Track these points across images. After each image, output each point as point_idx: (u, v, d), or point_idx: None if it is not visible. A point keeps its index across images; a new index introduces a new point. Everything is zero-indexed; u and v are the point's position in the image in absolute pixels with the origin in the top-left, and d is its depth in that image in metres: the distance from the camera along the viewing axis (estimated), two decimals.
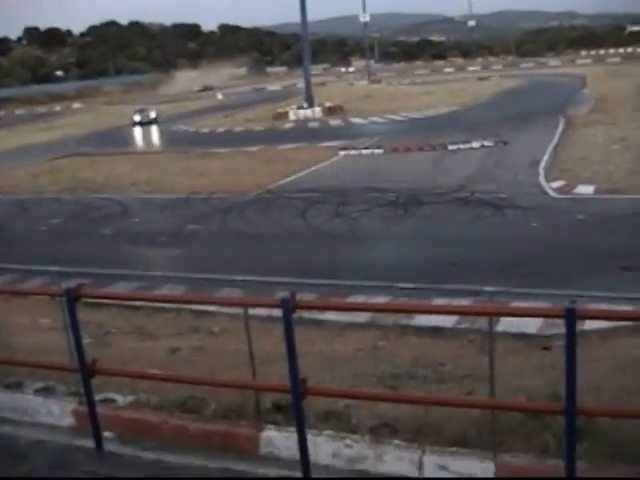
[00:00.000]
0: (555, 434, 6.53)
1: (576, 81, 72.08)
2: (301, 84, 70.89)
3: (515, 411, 7.04)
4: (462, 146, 33.92)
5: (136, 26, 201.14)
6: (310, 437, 6.83)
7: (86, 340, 8.17)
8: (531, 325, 11.39)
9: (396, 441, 7.03)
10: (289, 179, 29.38)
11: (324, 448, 7.09)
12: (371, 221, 21.45)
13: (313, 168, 31.79)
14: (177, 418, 7.93)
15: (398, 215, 21.74)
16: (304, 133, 47.44)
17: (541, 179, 25.14)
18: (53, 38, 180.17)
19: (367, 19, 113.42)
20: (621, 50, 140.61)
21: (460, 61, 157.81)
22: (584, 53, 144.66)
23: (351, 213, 22.30)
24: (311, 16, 59.60)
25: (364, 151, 35.53)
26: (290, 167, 31.67)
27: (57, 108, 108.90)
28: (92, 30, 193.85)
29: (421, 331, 11.98)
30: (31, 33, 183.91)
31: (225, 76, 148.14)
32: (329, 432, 7.27)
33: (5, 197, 30.50)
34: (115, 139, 54.14)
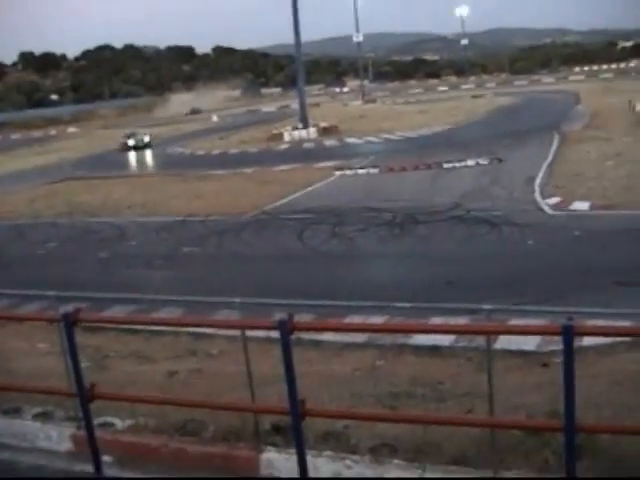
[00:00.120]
0: (555, 451, 6.52)
1: (570, 97, 72.45)
2: (295, 105, 71.17)
3: (514, 429, 7.02)
4: (457, 164, 34.03)
5: (130, 49, 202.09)
6: (310, 458, 6.80)
7: (84, 364, 8.14)
8: (529, 342, 11.37)
9: (396, 461, 7.01)
10: (285, 200, 29.39)
11: (325, 469, 7.07)
12: (368, 241, 21.46)
13: (309, 189, 31.84)
14: (176, 441, 7.90)
15: (394, 234, 21.76)
16: (299, 154, 47.57)
17: (537, 196, 25.21)
18: (48, 62, 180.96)
19: (360, 39, 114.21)
20: (613, 66, 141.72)
21: (454, 79, 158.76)
22: (577, 69, 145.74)
23: (347, 233, 22.30)
24: (305, 37, 60.25)
25: (360, 171, 35.63)
26: (286, 188, 31.70)
27: (53, 132, 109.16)
28: (87, 54, 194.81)
29: (419, 350, 11.96)
30: (26, 58, 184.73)
31: (220, 98, 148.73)
32: (329, 453, 7.25)
33: (2, 222, 30.48)
34: (110, 162, 54.22)
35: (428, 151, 39.92)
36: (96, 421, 7.87)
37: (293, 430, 6.61)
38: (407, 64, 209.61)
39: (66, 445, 8.29)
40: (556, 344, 7.47)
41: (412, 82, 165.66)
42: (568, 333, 5.56)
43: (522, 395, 8.72)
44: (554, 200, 24.16)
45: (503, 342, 10.33)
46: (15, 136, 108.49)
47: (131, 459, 7.83)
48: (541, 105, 68.67)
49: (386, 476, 6.88)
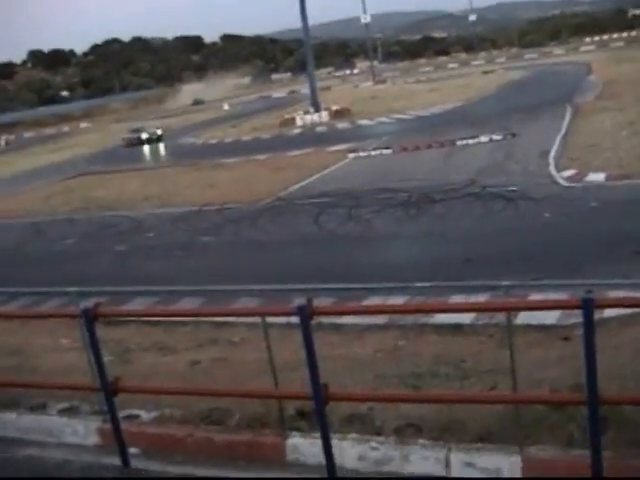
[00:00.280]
0: (580, 425, 6.49)
1: (581, 68, 71.88)
2: (306, 89, 70.96)
3: (538, 404, 7.01)
4: (470, 141, 33.86)
5: (139, 42, 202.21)
6: (335, 442, 6.83)
7: (107, 358, 8.19)
8: (550, 316, 11.33)
9: (421, 440, 7.01)
10: (300, 185, 29.38)
11: (350, 452, 7.09)
12: (384, 222, 21.41)
13: (323, 172, 31.80)
14: (202, 430, 7.92)
15: (411, 214, 21.70)
16: (312, 138, 47.50)
17: (551, 169, 25.05)
18: (57, 59, 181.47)
19: (368, 20, 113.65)
20: (624, 34, 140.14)
21: (463, 56, 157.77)
22: (587, 40, 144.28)
23: (364, 215, 22.25)
24: (312, 20, 60.01)
25: (373, 152, 35.52)
26: (300, 173, 31.68)
27: (65, 129, 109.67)
28: (95, 49, 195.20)
29: (440, 329, 11.93)
30: (35, 55, 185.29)
31: (230, 86, 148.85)
32: (354, 435, 7.26)
33: (19, 220, 30.68)
34: (124, 156, 54.36)
35: (441, 129, 39.72)
36: (121, 414, 7.94)
37: (317, 415, 6.65)
38: (416, 43, 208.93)
39: (93, 439, 8.33)
40: (577, 317, 7.42)
41: (422, 61, 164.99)
42: (588, 306, 5.55)
43: (544, 370, 8.69)
44: (569, 172, 24.00)
45: (524, 317, 10.34)
46: (28, 134, 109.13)
47: (157, 450, 7.87)
48: (552, 78, 68.19)
49: (411, 456, 6.90)
